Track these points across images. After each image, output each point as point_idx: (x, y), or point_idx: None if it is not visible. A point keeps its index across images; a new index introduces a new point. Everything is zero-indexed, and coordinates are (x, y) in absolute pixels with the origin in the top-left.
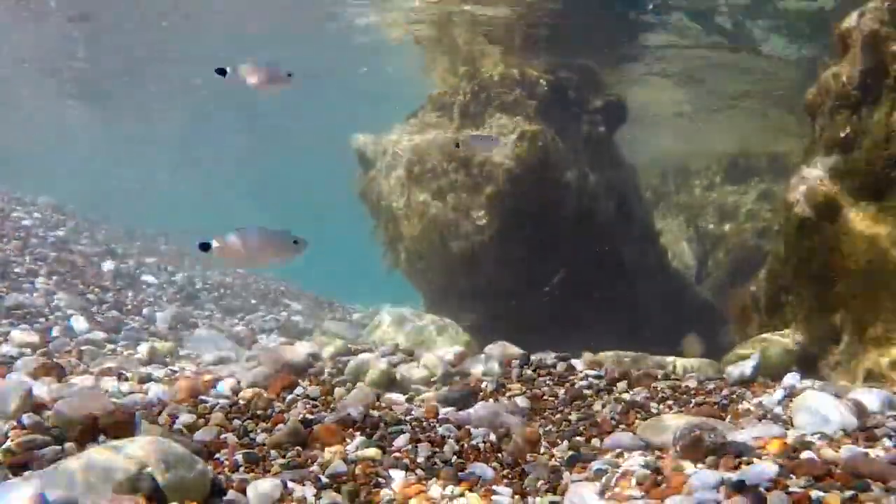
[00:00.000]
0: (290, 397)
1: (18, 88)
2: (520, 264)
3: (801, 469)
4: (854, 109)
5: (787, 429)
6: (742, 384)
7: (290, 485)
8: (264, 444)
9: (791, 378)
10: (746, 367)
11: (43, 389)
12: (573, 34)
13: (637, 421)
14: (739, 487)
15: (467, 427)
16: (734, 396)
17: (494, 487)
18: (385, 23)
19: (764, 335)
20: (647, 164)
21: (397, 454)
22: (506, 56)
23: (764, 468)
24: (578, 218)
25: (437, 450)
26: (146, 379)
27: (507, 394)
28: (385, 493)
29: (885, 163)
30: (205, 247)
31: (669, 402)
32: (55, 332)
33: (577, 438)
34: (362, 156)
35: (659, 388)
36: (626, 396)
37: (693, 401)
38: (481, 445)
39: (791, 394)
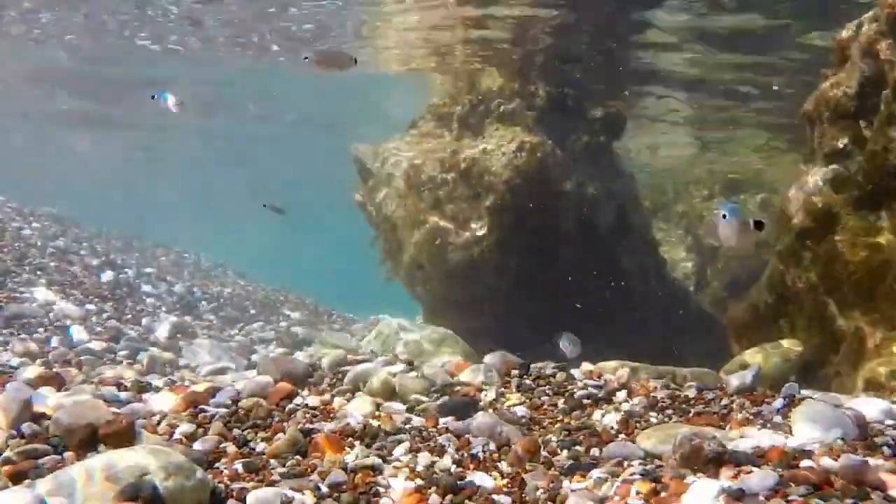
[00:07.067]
0: (289, 407)
1: None
2: (519, 274)
3: (801, 478)
4: (852, 119)
5: (787, 438)
6: (741, 393)
7: (290, 493)
8: (264, 453)
9: (790, 387)
10: (746, 377)
11: (42, 399)
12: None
13: (636, 430)
14: (739, 496)
15: (467, 436)
16: (734, 406)
17: (494, 497)
18: (382, 57)
19: (763, 344)
20: None
21: (397, 463)
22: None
23: (763, 477)
24: (578, 227)
25: (437, 459)
26: (145, 388)
27: (507, 403)
28: (384, 502)
29: (884, 172)
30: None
31: (669, 412)
32: (55, 341)
33: (577, 448)
34: (362, 166)
35: (658, 398)
36: (626, 406)
37: (693, 410)
38: (481, 455)
39: (790, 403)
